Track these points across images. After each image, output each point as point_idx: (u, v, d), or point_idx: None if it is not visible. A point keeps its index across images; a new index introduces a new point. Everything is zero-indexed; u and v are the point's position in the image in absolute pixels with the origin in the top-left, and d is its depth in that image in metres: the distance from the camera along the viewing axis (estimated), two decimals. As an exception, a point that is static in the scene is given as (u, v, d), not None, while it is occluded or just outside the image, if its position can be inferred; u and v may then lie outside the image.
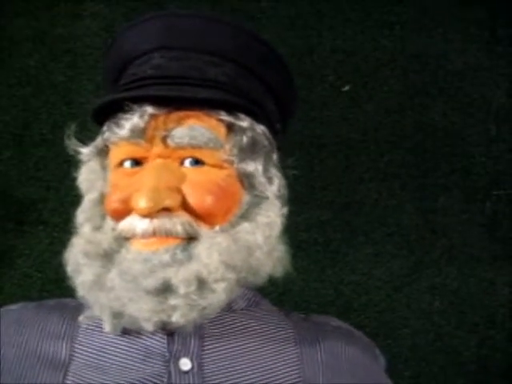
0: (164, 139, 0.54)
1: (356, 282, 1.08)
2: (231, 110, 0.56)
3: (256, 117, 0.58)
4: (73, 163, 0.62)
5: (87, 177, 0.60)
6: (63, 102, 1.13)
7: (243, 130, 0.57)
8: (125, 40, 0.60)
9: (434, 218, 1.10)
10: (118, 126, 0.55)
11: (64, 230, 0.63)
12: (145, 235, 0.53)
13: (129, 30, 0.60)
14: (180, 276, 0.52)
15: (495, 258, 1.10)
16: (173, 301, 0.52)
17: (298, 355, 0.58)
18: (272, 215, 0.58)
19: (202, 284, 0.52)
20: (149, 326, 0.52)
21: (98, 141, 0.59)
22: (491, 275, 1.09)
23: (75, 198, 0.62)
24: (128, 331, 0.56)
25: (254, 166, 0.57)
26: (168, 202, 0.52)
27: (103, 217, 0.58)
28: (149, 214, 0.52)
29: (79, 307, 0.59)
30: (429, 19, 1.15)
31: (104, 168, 0.60)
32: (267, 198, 0.59)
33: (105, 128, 0.57)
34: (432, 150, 1.12)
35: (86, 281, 0.55)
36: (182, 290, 0.51)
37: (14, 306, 0.63)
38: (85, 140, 0.62)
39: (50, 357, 0.55)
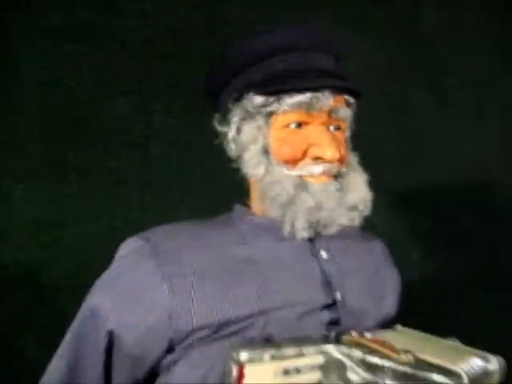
0: (329, 112, 0.79)
1: None
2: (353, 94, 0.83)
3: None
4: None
5: (250, 132, 0.80)
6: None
7: (353, 108, 0.84)
8: (273, 39, 0.80)
9: None
10: (293, 100, 0.76)
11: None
12: (317, 175, 0.78)
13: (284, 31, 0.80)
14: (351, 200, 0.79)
15: None
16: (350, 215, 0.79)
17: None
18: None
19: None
20: (331, 231, 0.79)
21: (252, 105, 0.79)
22: None
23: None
24: (283, 239, 0.79)
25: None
26: (339, 155, 0.78)
27: (270, 162, 0.79)
28: (330, 161, 0.77)
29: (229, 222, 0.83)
30: None
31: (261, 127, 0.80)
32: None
33: (271, 100, 0.78)
34: None
35: (285, 195, 0.76)
36: (360, 207, 0.80)
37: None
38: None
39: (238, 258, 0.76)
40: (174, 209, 1.50)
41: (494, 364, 0.78)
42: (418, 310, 1.12)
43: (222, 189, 1.36)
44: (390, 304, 0.87)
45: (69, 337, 0.76)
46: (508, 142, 1.91)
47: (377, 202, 0.84)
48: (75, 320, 0.77)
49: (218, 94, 0.85)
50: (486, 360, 0.77)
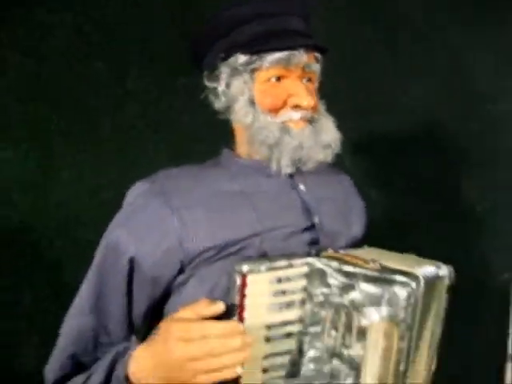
0: (303, 67, 0.93)
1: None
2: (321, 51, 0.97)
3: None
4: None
5: (238, 85, 0.94)
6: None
7: (320, 63, 0.99)
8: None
9: None
10: (273, 57, 0.90)
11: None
12: (296, 120, 0.93)
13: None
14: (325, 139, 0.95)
15: None
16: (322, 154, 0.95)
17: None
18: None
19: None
20: (309, 166, 0.95)
21: (238, 64, 0.93)
22: None
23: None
24: (269, 176, 0.95)
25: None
26: (315, 101, 0.94)
27: (256, 111, 0.93)
28: (306, 108, 0.92)
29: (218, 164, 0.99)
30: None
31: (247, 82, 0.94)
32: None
33: (254, 58, 0.91)
34: None
35: (271, 138, 0.91)
36: (333, 145, 0.96)
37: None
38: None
39: (231, 192, 0.92)
40: (153, 166, 1.63)
41: (445, 270, 0.95)
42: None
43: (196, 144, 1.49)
44: (357, 228, 1.03)
45: (92, 272, 0.89)
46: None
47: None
48: (96, 257, 0.90)
49: (203, 55, 0.97)
50: (438, 267, 0.94)
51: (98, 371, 0.85)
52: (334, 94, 1.04)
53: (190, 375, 0.75)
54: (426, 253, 1.02)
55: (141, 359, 0.81)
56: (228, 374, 0.75)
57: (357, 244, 1.01)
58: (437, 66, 1.94)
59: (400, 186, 1.99)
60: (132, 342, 0.85)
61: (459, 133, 2.13)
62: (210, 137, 1.07)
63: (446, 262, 1.26)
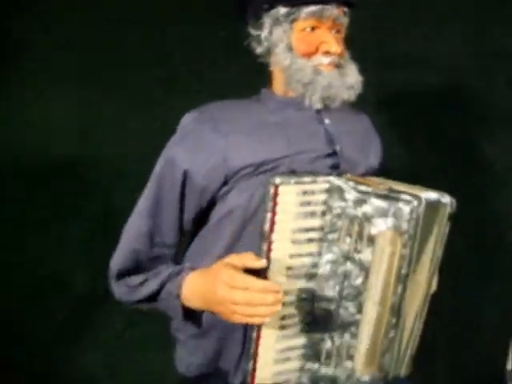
0: (334, 20, 1.11)
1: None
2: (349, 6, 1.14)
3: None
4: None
5: (279, 33, 1.11)
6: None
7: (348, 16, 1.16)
8: None
9: None
10: (309, 10, 1.08)
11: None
12: (326, 64, 1.11)
13: None
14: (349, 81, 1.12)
15: None
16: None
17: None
18: None
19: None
20: (335, 104, 1.12)
21: (280, 14, 1.10)
22: None
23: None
24: (300, 109, 1.13)
25: None
26: (340, 49, 1.11)
27: (293, 55, 1.11)
28: (334, 54, 1.10)
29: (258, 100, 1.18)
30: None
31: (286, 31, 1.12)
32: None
33: (293, 10, 1.09)
34: None
35: (306, 78, 1.09)
36: (355, 87, 1.13)
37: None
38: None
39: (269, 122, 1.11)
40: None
41: (447, 199, 1.11)
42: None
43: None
44: (374, 160, 1.21)
45: (151, 183, 1.09)
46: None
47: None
48: (154, 171, 1.10)
49: (248, 7, 1.14)
50: (442, 195, 1.10)
51: (154, 280, 1.07)
52: (359, 47, 1.20)
53: (228, 312, 0.93)
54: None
55: (191, 285, 1.02)
56: (257, 321, 0.93)
57: (372, 174, 1.18)
58: (462, 23, 2.04)
59: (421, 142, 2.14)
60: (186, 267, 1.06)
61: (482, 91, 2.25)
62: (247, 85, 1.23)
63: (465, 217, 1.41)
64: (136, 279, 1.08)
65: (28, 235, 1.75)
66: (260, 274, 0.95)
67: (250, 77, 1.29)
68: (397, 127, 2.02)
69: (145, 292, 1.07)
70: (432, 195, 1.07)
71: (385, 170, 1.24)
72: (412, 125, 2.09)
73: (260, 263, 0.93)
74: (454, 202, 1.13)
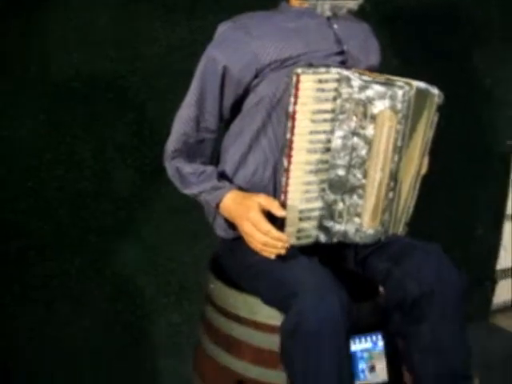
0: None
1: None
2: None
3: None
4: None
5: None
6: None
7: None
8: None
9: None
10: None
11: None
12: None
13: None
14: None
15: None
16: None
17: None
18: None
19: None
20: (342, 12, 1.38)
21: None
22: None
23: None
24: (313, 17, 1.39)
25: None
26: None
27: None
28: None
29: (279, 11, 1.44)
30: None
31: None
32: None
33: None
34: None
35: None
36: None
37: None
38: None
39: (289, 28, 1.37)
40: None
41: (435, 90, 1.37)
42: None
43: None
44: (374, 60, 1.47)
45: (196, 78, 1.36)
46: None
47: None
48: (198, 69, 1.36)
49: None
50: (431, 86, 1.36)
51: (199, 185, 1.36)
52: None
53: (248, 238, 1.28)
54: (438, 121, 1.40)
55: (228, 204, 1.33)
56: (265, 254, 1.26)
57: (372, 71, 1.44)
58: None
59: (418, 57, 2.37)
60: (227, 185, 1.35)
61: (476, 11, 2.46)
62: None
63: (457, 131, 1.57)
64: (187, 168, 1.37)
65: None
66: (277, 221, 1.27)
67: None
68: (395, 41, 2.24)
69: (188, 191, 1.38)
70: (422, 84, 1.33)
71: (381, 71, 1.50)
72: (409, 38, 2.32)
73: (281, 213, 1.25)
74: (442, 94, 1.38)
